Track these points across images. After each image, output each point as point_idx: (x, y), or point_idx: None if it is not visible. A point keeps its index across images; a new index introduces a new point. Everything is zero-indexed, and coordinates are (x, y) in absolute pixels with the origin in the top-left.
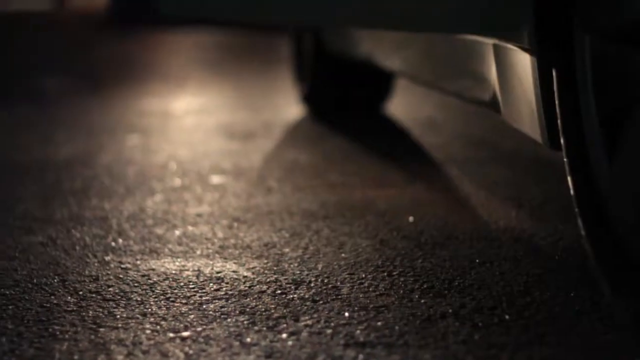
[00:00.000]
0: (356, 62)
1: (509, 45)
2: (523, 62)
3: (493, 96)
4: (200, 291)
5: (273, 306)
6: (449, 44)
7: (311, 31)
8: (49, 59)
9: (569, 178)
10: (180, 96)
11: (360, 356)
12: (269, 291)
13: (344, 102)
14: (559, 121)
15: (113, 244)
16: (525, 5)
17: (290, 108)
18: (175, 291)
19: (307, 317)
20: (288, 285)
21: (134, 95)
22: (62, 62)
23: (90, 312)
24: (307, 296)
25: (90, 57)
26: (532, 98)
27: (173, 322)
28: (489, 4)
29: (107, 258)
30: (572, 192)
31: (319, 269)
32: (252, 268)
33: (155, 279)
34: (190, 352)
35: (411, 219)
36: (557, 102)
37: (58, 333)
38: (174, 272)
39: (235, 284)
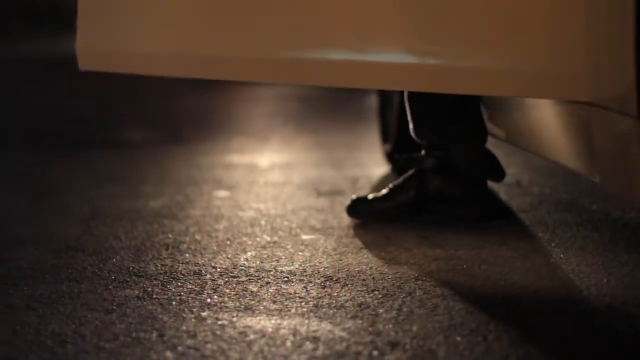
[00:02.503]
0: None
1: (609, 112)
2: (625, 129)
3: (588, 161)
4: (297, 350)
5: None
6: (543, 107)
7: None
8: (135, 110)
9: None
10: (264, 151)
11: None
12: (365, 352)
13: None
14: None
15: (209, 300)
16: (627, 73)
17: (375, 166)
18: (273, 350)
19: None
20: (384, 347)
21: (218, 149)
22: (147, 113)
23: None
24: (403, 359)
25: (173, 109)
26: (634, 165)
27: None
28: (591, 70)
29: (204, 314)
30: None
31: (414, 331)
32: (348, 328)
33: (252, 337)
34: None
35: (504, 283)
36: None
37: None
38: (270, 330)
39: (332, 344)
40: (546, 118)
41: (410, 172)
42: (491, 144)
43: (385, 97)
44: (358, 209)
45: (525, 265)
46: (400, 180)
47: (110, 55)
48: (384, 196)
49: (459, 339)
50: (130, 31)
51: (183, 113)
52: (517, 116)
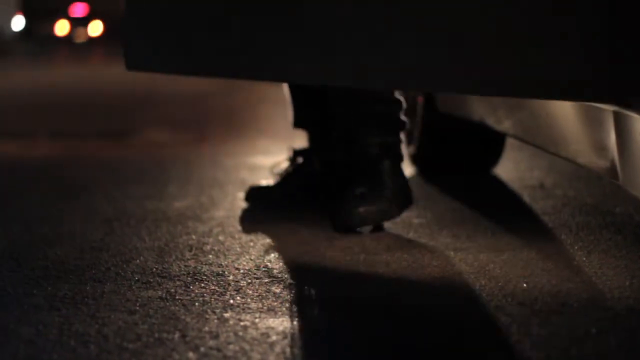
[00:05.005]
0: (467, 123)
1: (631, 113)
2: None
3: (611, 163)
4: (319, 351)
5: None
6: (566, 109)
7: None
8: (159, 110)
9: None
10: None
11: None
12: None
13: (452, 163)
14: None
15: (231, 301)
16: None
17: None
18: (295, 351)
19: None
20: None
21: (242, 150)
22: (172, 113)
23: None
24: None
25: (198, 110)
26: None
27: None
28: (614, 72)
29: (226, 315)
30: None
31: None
32: None
33: (274, 338)
34: None
35: (525, 285)
36: None
37: None
38: (292, 331)
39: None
40: (566, 116)
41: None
42: (515, 146)
43: (410, 100)
44: (255, 195)
45: (548, 267)
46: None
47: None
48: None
49: (480, 341)
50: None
51: (208, 114)
52: (533, 113)
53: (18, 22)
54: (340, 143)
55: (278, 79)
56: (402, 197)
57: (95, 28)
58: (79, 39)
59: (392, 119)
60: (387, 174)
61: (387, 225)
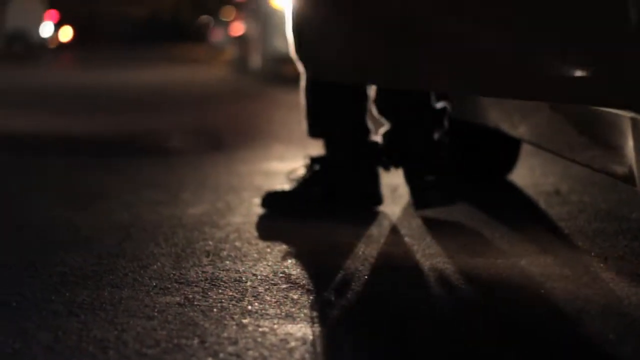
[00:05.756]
0: (481, 129)
1: None
2: None
3: (628, 169)
4: (338, 357)
5: None
6: (582, 114)
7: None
8: (174, 117)
9: None
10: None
11: None
12: None
13: (467, 169)
14: None
15: (249, 307)
16: None
17: None
18: (314, 357)
19: None
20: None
21: (257, 156)
22: (186, 120)
23: None
24: None
25: (212, 116)
26: None
27: None
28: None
29: (245, 321)
30: None
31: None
32: None
33: (293, 344)
34: None
35: (542, 291)
36: None
37: None
38: (311, 337)
39: None
40: (582, 122)
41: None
42: (529, 152)
43: None
44: (271, 201)
45: (565, 274)
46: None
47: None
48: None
49: (495, 349)
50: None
51: (222, 120)
52: (548, 118)
53: (47, 29)
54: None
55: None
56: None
57: (66, 34)
58: (52, 44)
59: (444, 119)
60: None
61: (403, 231)
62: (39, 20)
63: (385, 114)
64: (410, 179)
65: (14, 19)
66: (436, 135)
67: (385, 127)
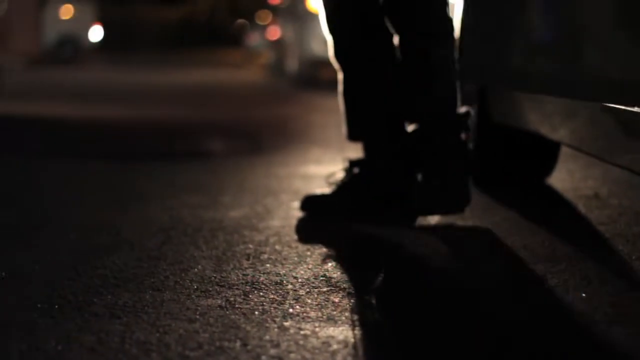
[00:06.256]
0: (521, 132)
1: None
2: None
3: None
4: None
5: None
6: (623, 117)
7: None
8: (213, 120)
9: None
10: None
11: None
12: None
13: (506, 173)
14: None
15: (291, 310)
16: None
17: None
18: None
19: None
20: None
21: (295, 159)
22: (224, 123)
23: None
24: None
25: (251, 119)
26: None
27: None
28: None
29: (286, 324)
30: None
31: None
32: None
33: (335, 347)
34: None
35: (584, 295)
36: None
37: None
38: (353, 340)
39: None
40: (623, 125)
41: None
42: (568, 155)
43: None
44: (310, 204)
45: (606, 277)
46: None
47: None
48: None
49: (540, 351)
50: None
51: (259, 123)
52: (589, 121)
53: (96, 33)
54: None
55: None
56: (464, 193)
57: (99, 34)
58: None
59: (468, 122)
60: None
61: (443, 235)
62: (88, 25)
63: (409, 118)
64: (419, 183)
65: (64, 24)
66: (462, 137)
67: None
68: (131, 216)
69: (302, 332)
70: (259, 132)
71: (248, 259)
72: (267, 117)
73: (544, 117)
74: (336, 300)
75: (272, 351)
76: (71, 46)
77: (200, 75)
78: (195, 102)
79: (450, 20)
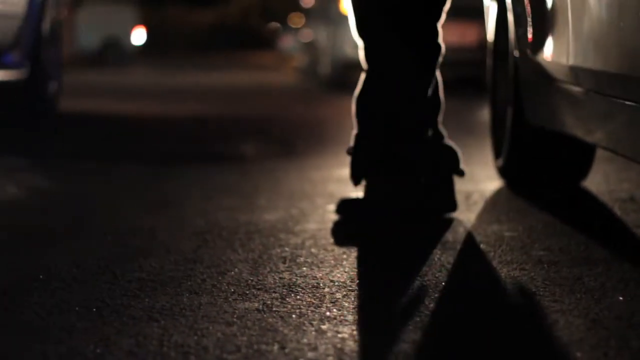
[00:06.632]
0: (556, 135)
1: None
2: None
3: None
4: None
5: None
6: None
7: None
8: (246, 123)
9: None
10: None
11: None
12: None
13: (541, 176)
14: None
15: (328, 313)
16: None
17: (488, 181)
18: None
19: None
20: None
21: (329, 162)
22: (258, 126)
23: None
24: None
25: (284, 122)
26: None
27: None
28: None
29: (324, 327)
30: None
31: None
32: None
33: (373, 351)
34: None
35: (621, 298)
36: None
37: None
38: (390, 344)
39: None
40: None
41: None
42: (603, 158)
43: (498, 111)
44: (345, 208)
45: None
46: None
47: None
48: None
49: (579, 354)
50: None
51: (292, 126)
52: (626, 123)
53: (139, 36)
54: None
55: None
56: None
57: (141, 37)
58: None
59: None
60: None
61: (479, 238)
62: (130, 28)
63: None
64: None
65: (105, 26)
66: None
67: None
68: (166, 219)
69: (339, 336)
70: (292, 135)
71: (284, 262)
72: (300, 120)
73: (580, 120)
74: (373, 303)
75: (310, 354)
76: (113, 49)
77: (234, 78)
78: (229, 104)
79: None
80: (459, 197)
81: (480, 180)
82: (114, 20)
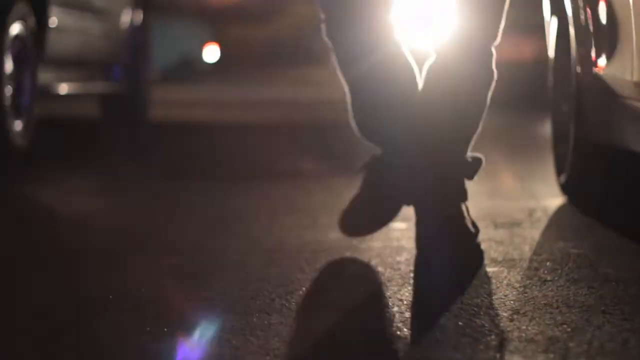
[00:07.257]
0: (620, 151)
1: None
2: None
3: None
4: None
5: None
6: None
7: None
8: (302, 139)
9: None
10: None
11: None
12: None
13: (605, 192)
14: None
15: (398, 332)
16: None
17: (551, 197)
18: None
19: None
20: None
21: None
22: (315, 142)
23: None
24: None
25: (343, 137)
26: None
27: None
28: None
29: (395, 347)
30: None
31: None
32: None
33: None
34: None
35: None
36: None
37: None
38: None
39: None
40: None
41: None
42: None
43: (560, 127)
44: None
45: None
46: None
47: None
48: None
49: None
50: None
51: (350, 142)
52: None
53: (211, 53)
54: None
55: None
56: None
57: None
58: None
59: None
60: None
61: (544, 256)
62: (202, 46)
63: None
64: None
65: (180, 45)
66: None
67: None
68: (231, 238)
69: (416, 356)
70: (349, 151)
71: (351, 282)
72: (355, 136)
73: None
74: (442, 322)
75: None
76: (186, 66)
77: (290, 92)
78: (284, 119)
79: None
80: (522, 215)
81: (542, 196)
82: (187, 38)
